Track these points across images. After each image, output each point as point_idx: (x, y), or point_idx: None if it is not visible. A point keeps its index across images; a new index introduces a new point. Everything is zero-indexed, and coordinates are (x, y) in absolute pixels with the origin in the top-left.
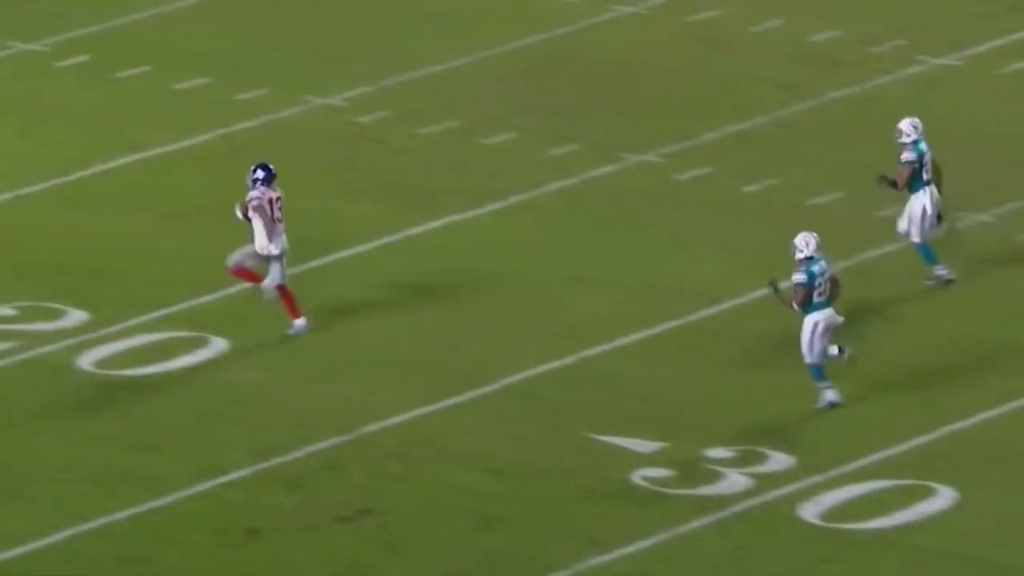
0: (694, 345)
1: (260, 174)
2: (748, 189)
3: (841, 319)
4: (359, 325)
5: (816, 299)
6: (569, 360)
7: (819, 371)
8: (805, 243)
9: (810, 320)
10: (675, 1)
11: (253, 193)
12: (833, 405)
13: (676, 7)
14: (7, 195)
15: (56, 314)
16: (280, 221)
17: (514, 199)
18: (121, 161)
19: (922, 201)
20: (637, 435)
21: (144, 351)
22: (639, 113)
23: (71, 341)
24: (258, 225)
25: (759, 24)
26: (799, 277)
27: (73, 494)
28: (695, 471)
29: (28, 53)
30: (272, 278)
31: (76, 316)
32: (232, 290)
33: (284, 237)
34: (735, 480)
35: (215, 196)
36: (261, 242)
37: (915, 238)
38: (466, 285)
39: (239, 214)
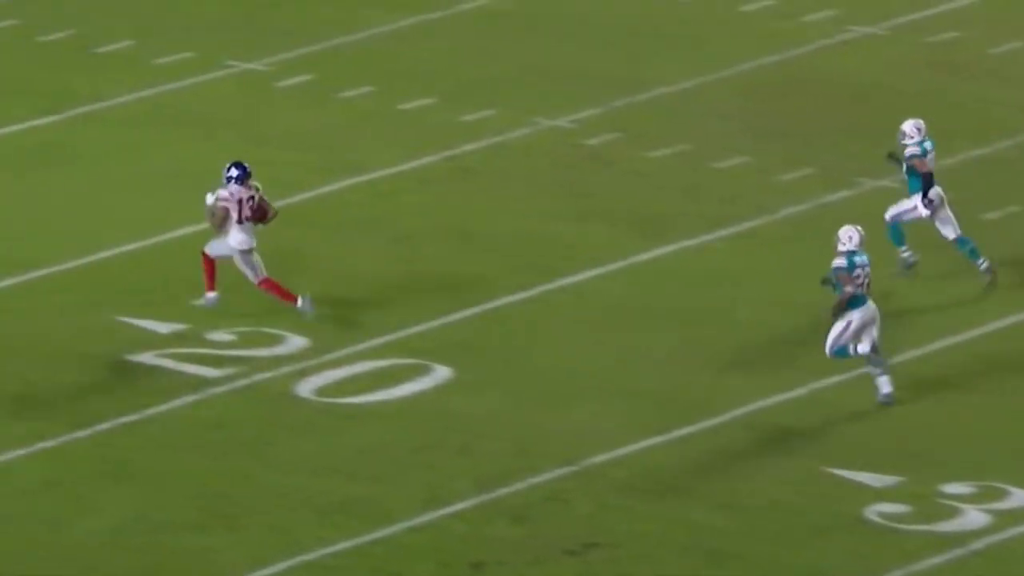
0: (932, 375)
1: (234, 172)
2: (989, 216)
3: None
4: (586, 353)
5: (854, 290)
6: (801, 391)
7: (843, 352)
8: (848, 237)
9: (845, 317)
10: (914, 22)
11: (222, 193)
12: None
13: (915, 28)
14: None
15: (276, 340)
16: (250, 219)
17: (746, 224)
18: (343, 183)
19: (914, 200)
20: (872, 469)
21: (365, 379)
22: (875, 137)
23: (291, 368)
24: (216, 223)
25: (1000, 46)
26: (840, 262)
27: (291, 524)
28: (932, 507)
29: (249, 72)
30: (247, 270)
31: (296, 342)
32: (455, 316)
33: (253, 235)
34: (974, 517)
35: (440, 220)
36: (235, 238)
37: (888, 215)
38: (696, 313)
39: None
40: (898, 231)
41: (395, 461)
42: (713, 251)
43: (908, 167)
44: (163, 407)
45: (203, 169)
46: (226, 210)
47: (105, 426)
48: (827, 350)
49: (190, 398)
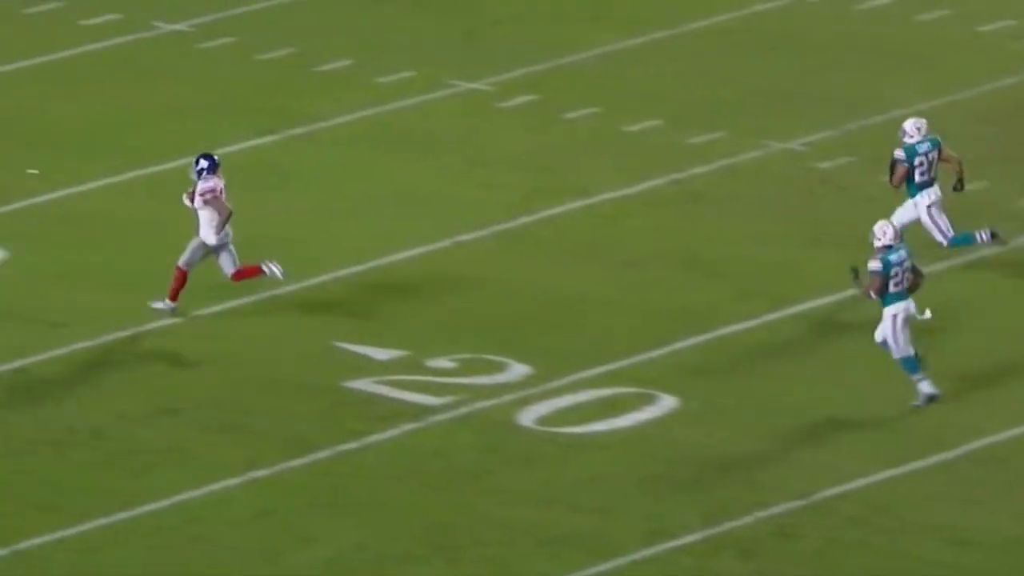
0: None
1: (204, 163)
2: None
3: (926, 315)
4: (815, 383)
5: (893, 288)
6: None
7: (911, 363)
8: (883, 231)
9: (889, 313)
10: None
11: (206, 185)
12: (932, 399)
13: None
14: (446, 241)
15: (497, 367)
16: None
17: (984, 252)
18: (567, 207)
19: (923, 202)
20: None
21: (589, 407)
22: None
23: (512, 396)
24: (207, 216)
25: None
26: (874, 265)
27: (512, 556)
28: None
29: (472, 92)
30: (226, 269)
31: (518, 370)
32: (681, 344)
33: (228, 226)
34: None
35: (666, 244)
36: (206, 232)
37: (943, 241)
38: (929, 343)
39: (186, 201)
40: (964, 237)
41: (619, 492)
42: (948, 279)
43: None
44: (381, 435)
45: (424, 191)
46: (221, 200)
47: (322, 454)
48: (894, 356)
49: (409, 426)
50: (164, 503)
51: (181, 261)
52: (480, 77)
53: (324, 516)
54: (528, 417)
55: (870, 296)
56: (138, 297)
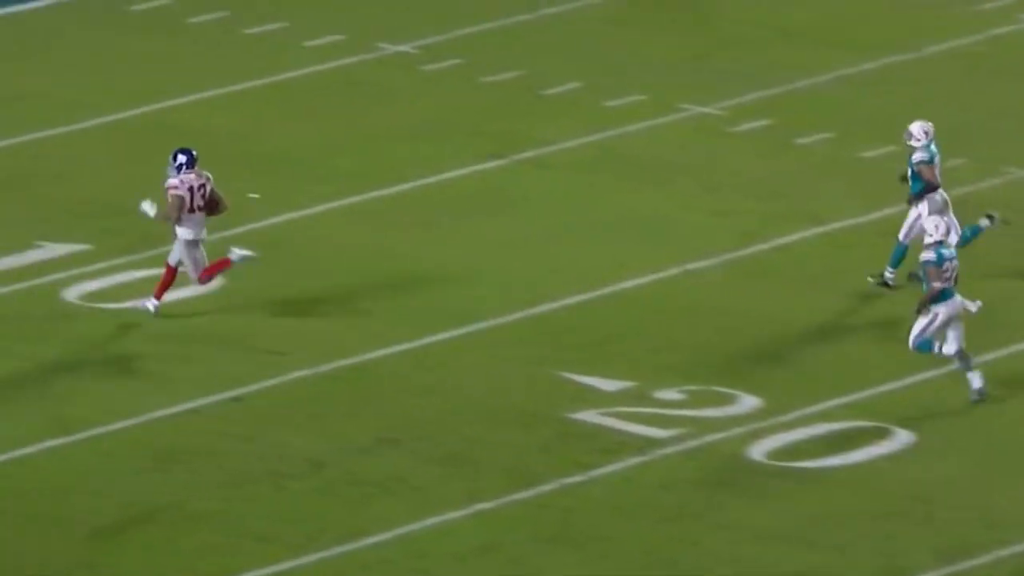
0: None
1: (182, 158)
2: None
3: (976, 306)
4: None
5: (943, 285)
6: None
7: (926, 344)
8: (935, 227)
9: (933, 311)
10: None
11: (171, 182)
12: (961, 355)
13: None
14: (675, 269)
15: (727, 400)
16: (202, 209)
17: None
18: (800, 234)
19: (920, 208)
20: None
21: (821, 442)
22: None
23: (743, 429)
24: (172, 214)
25: None
26: (928, 256)
27: None
28: None
29: (703, 116)
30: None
31: (748, 402)
32: (918, 378)
33: (202, 227)
34: None
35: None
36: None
37: (901, 235)
38: None
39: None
40: (902, 252)
41: (852, 529)
42: None
43: (914, 172)
44: (607, 468)
45: (653, 217)
46: (180, 199)
47: (547, 487)
48: (910, 343)
49: (636, 459)
50: (385, 535)
51: (192, 272)
52: (711, 101)
53: (550, 550)
54: (759, 451)
55: (936, 289)
56: (358, 325)
